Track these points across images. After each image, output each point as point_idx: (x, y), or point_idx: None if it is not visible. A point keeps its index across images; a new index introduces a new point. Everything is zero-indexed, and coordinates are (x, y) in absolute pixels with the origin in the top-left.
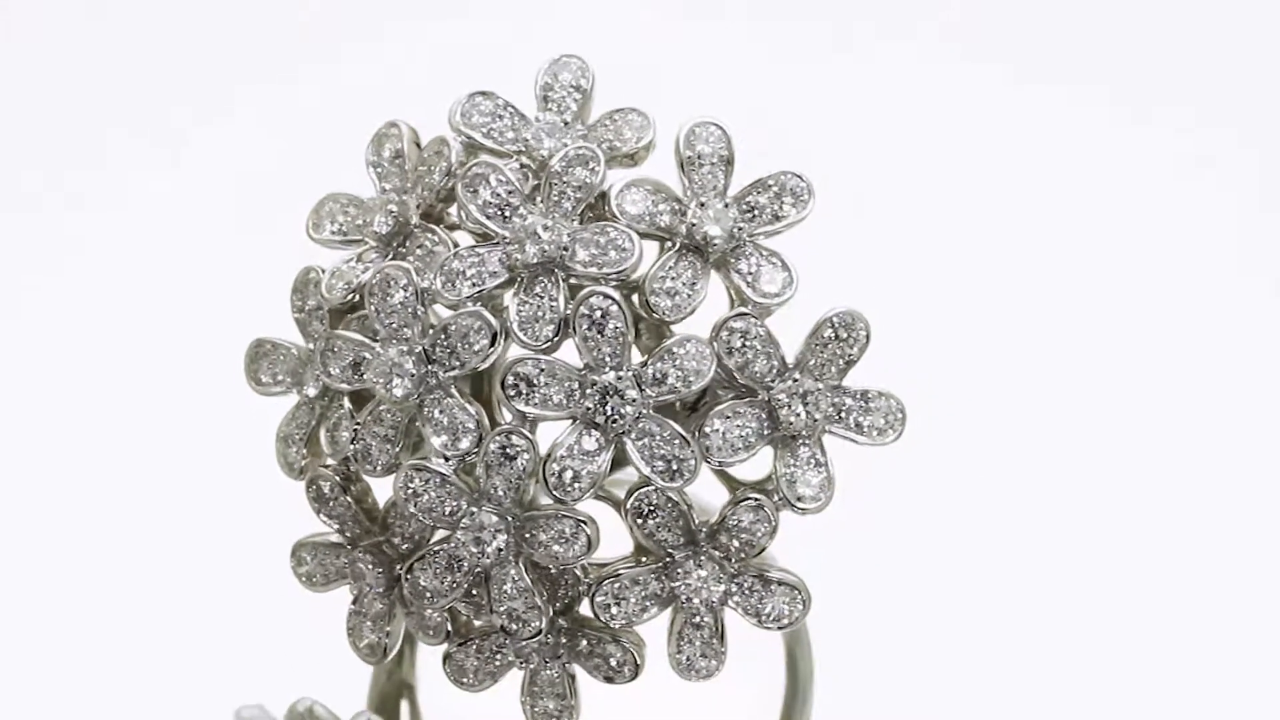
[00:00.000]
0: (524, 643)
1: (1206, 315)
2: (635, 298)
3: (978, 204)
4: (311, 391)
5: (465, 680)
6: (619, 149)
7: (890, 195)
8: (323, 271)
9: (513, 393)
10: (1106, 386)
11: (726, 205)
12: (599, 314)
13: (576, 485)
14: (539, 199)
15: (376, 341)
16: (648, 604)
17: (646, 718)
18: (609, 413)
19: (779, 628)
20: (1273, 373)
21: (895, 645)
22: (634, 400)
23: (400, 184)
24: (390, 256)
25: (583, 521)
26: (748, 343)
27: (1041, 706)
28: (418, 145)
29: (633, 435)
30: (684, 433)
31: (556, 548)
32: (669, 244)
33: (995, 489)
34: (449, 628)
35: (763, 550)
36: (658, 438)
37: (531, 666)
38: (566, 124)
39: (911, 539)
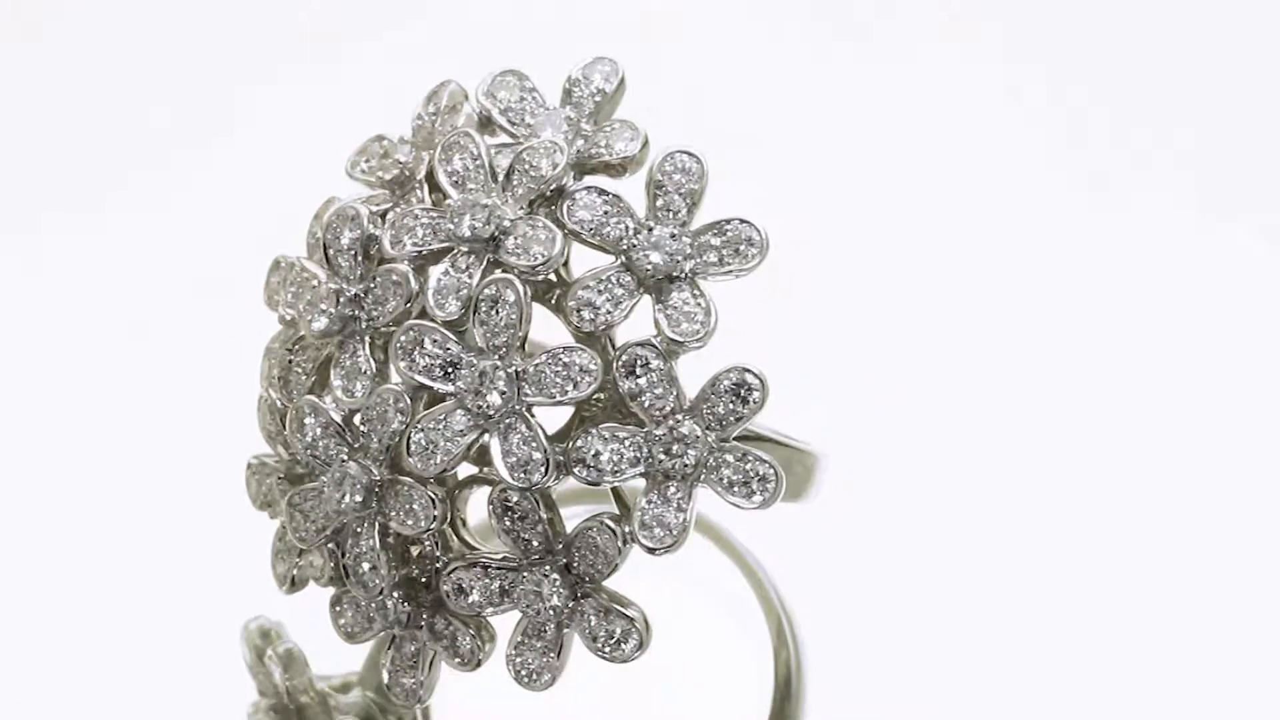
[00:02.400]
0: (388, 609)
1: (1170, 328)
2: None
3: (961, 203)
4: (288, 314)
5: (343, 628)
6: (601, 156)
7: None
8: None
9: (400, 353)
10: (1092, 389)
11: (674, 235)
12: (495, 301)
13: (431, 458)
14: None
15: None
16: (495, 599)
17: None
18: (482, 399)
19: (607, 659)
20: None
21: (891, 647)
22: (503, 393)
23: (425, 139)
24: (391, 205)
25: (434, 497)
26: (646, 373)
27: (1032, 709)
28: None
29: (500, 427)
30: (545, 438)
31: (403, 515)
32: (616, 259)
33: (984, 493)
34: (331, 572)
35: (611, 573)
36: (519, 436)
37: (397, 634)
38: (570, 120)
39: (903, 542)
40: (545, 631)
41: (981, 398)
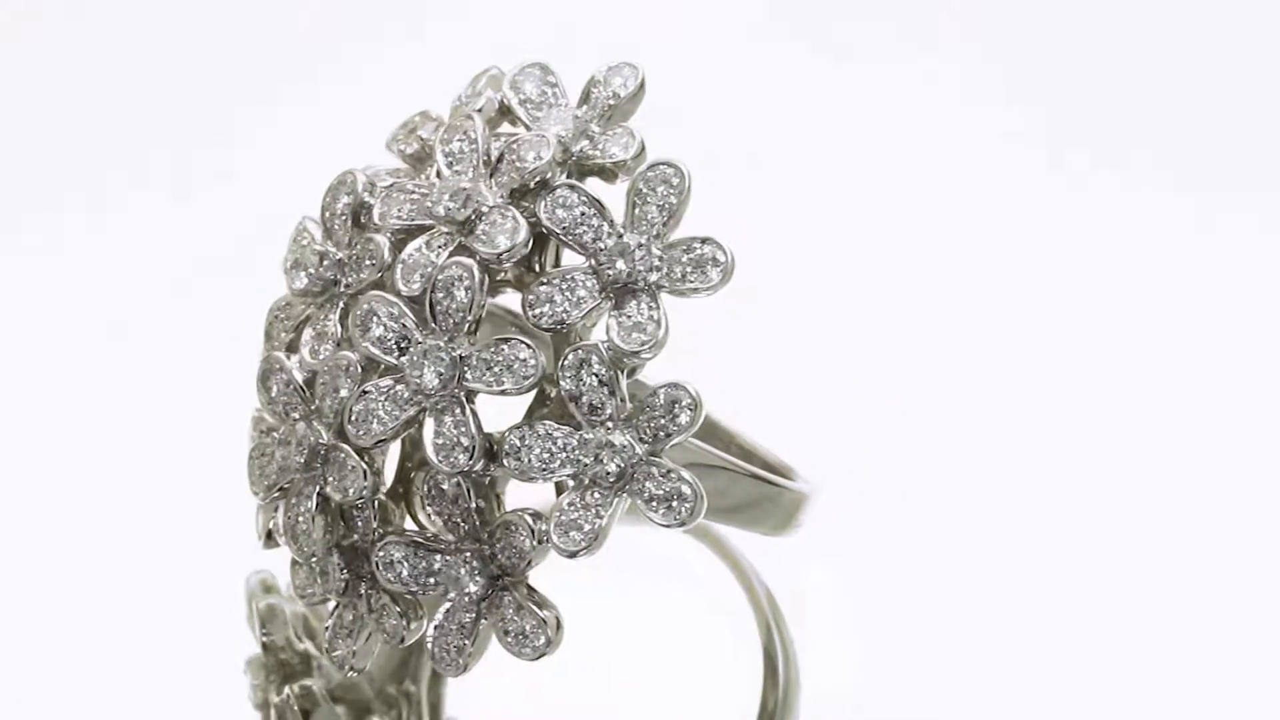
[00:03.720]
0: (329, 574)
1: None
2: None
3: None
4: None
5: (298, 589)
6: (595, 159)
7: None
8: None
9: (356, 322)
10: (1082, 396)
11: (642, 246)
12: (451, 283)
13: (368, 428)
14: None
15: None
16: (420, 578)
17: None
18: (419, 377)
19: (514, 654)
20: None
21: (881, 646)
22: (440, 374)
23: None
24: (408, 179)
25: (365, 468)
26: (585, 375)
27: (1027, 711)
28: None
29: (438, 409)
30: (477, 426)
31: (337, 481)
32: (586, 261)
33: (976, 497)
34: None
35: (527, 568)
36: (452, 419)
37: (339, 601)
38: (577, 119)
39: (895, 544)
40: (463, 618)
41: (977, 404)
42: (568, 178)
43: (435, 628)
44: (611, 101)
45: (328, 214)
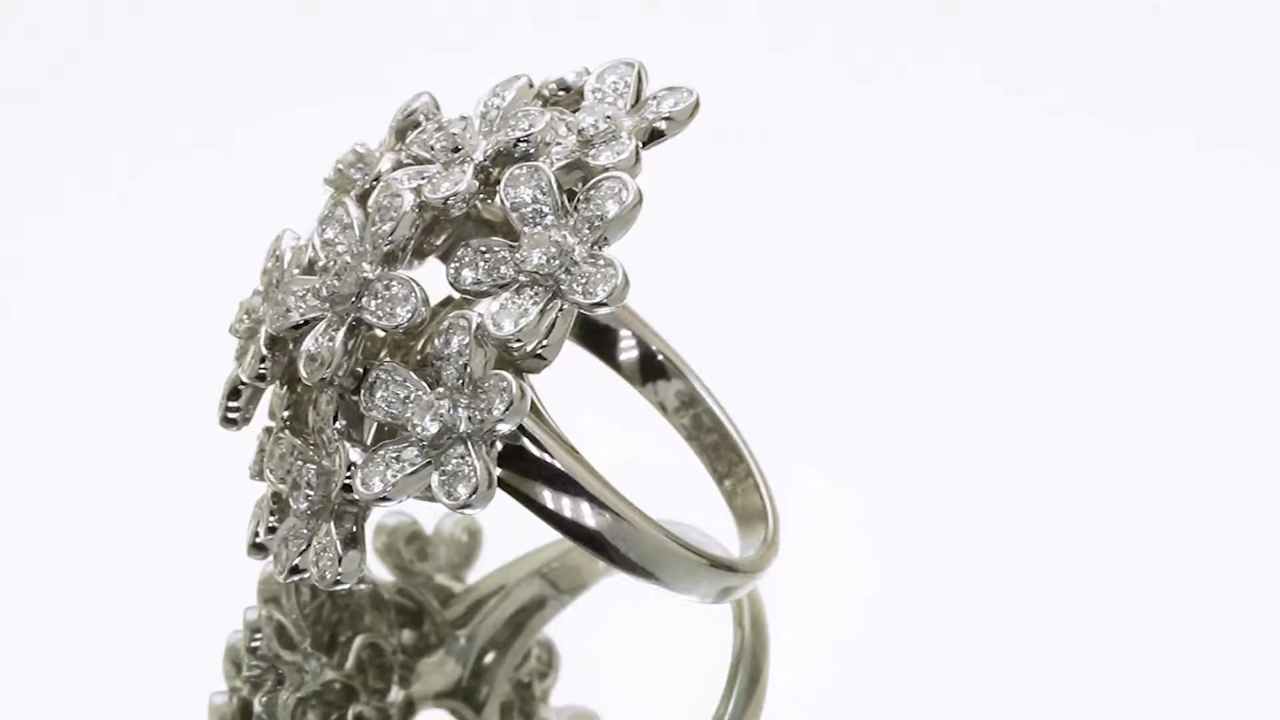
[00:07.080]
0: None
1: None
2: None
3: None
4: None
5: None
6: (592, 162)
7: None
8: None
9: (320, 221)
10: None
11: (558, 244)
12: (383, 208)
13: (280, 316)
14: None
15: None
16: (285, 480)
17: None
18: (325, 283)
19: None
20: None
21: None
22: (336, 289)
23: None
24: None
25: (266, 352)
26: (452, 340)
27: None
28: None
29: (328, 320)
30: (342, 345)
31: (246, 359)
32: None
33: (970, 497)
34: None
35: (342, 492)
36: (329, 334)
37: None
38: (609, 119)
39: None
40: (299, 529)
41: (973, 407)
42: (563, 168)
43: (285, 531)
44: (651, 115)
45: (393, 120)
